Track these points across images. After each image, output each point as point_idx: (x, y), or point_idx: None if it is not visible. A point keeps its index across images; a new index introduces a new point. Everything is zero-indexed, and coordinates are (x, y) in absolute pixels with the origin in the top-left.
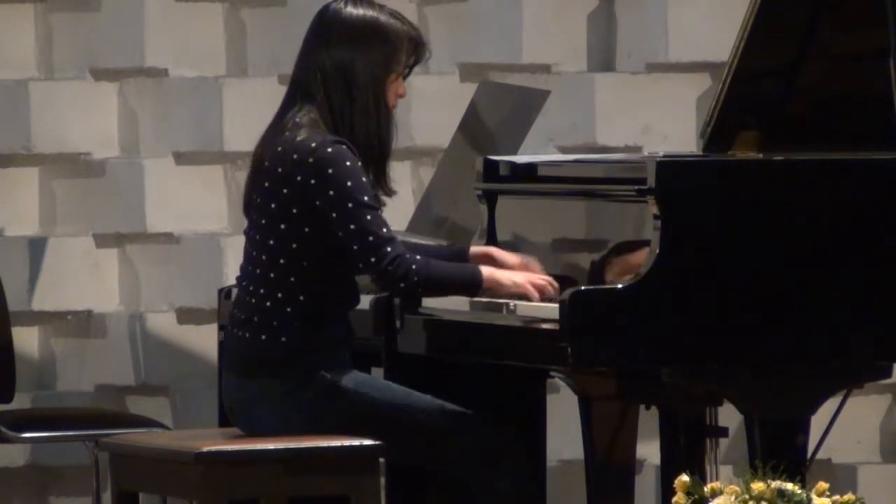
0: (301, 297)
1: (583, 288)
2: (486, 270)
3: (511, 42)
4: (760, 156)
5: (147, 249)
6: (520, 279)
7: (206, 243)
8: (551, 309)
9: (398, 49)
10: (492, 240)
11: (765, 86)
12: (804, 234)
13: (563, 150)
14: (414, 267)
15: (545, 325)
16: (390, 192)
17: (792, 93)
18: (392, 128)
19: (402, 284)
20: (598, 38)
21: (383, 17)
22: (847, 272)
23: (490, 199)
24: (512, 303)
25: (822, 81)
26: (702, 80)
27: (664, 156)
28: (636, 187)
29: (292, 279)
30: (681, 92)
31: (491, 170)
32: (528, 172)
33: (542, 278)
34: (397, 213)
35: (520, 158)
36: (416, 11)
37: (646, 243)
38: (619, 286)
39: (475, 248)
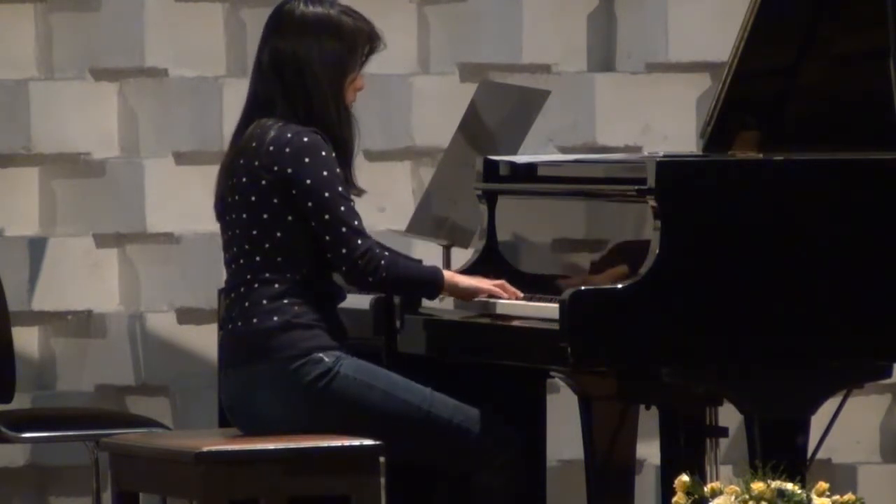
0: (288, 275)
1: (583, 288)
2: (447, 273)
3: (511, 42)
4: (760, 156)
5: (147, 249)
6: (476, 283)
7: (206, 243)
8: (551, 309)
9: (354, 47)
10: (492, 240)
11: (765, 86)
12: (804, 234)
13: (563, 150)
14: (383, 263)
15: (545, 325)
16: (359, 192)
17: (792, 93)
18: (353, 126)
19: (370, 279)
20: (598, 38)
21: (336, 15)
22: (847, 272)
23: (490, 199)
24: (510, 302)
25: (822, 81)
26: (702, 80)
27: (664, 156)
28: (636, 187)
29: (279, 259)
30: (681, 92)
31: (491, 170)
32: (528, 172)
33: (497, 283)
34: (397, 213)
35: (520, 158)
36: (416, 11)
37: (646, 243)
38: (619, 286)
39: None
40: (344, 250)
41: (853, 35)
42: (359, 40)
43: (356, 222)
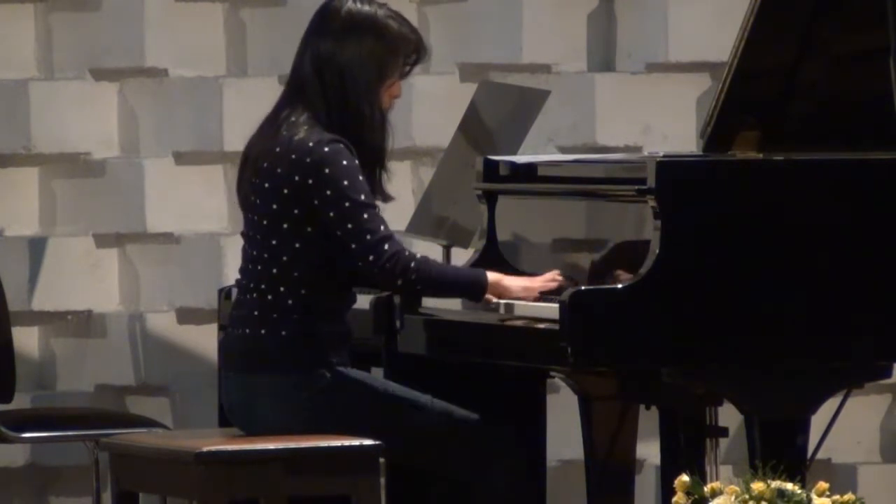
0: (303, 291)
1: (583, 288)
2: (493, 276)
3: (511, 42)
4: (760, 156)
5: (147, 249)
6: (528, 284)
7: (206, 243)
8: (551, 309)
9: (395, 51)
10: (492, 240)
11: (765, 86)
12: (804, 234)
13: (563, 150)
14: (412, 264)
15: (545, 325)
16: (387, 198)
17: (792, 93)
18: (386, 131)
19: (399, 282)
20: (598, 38)
21: (382, 18)
22: (847, 272)
23: (490, 199)
24: (509, 302)
25: (822, 81)
26: (702, 80)
27: (664, 156)
28: (636, 187)
29: (296, 274)
30: (681, 92)
31: (491, 170)
32: (528, 172)
33: (550, 278)
34: (397, 213)
35: (520, 158)
36: (416, 11)
37: (646, 243)
38: (619, 286)
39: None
40: (371, 257)
41: (853, 35)
42: (401, 46)
43: (381, 228)
